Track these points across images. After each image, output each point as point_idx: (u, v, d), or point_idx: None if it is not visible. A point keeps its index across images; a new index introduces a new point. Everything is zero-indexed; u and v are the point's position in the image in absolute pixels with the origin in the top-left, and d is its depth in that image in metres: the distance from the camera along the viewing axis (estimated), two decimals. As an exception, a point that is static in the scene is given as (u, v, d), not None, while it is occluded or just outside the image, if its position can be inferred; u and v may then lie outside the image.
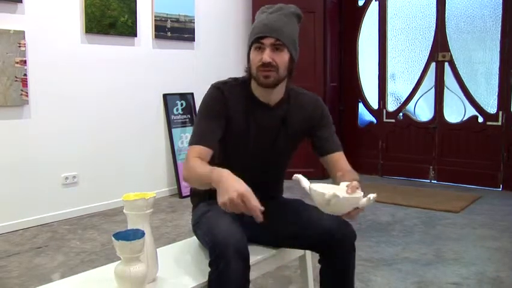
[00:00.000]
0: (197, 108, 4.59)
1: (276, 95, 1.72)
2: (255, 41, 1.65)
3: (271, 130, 1.75)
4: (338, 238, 1.62)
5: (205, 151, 1.64)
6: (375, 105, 5.35)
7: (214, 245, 1.46)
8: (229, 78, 1.78)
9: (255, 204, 1.38)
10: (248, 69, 1.72)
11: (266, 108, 1.73)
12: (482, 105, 4.69)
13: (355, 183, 1.46)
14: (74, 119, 3.75)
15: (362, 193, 1.44)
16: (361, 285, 2.47)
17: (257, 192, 1.60)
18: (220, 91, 1.70)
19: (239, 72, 1.74)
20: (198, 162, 1.60)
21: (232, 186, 1.39)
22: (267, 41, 1.62)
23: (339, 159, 1.75)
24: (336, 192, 1.38)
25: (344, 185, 1.48)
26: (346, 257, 1.64)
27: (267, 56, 1.62)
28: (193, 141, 1.67)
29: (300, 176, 1.49)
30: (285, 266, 2.59)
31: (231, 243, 1.44)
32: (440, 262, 2.80)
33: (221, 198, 1.40)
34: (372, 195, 1.40)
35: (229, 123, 1.71)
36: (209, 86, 1.75)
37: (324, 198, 1.37)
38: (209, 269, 1.46)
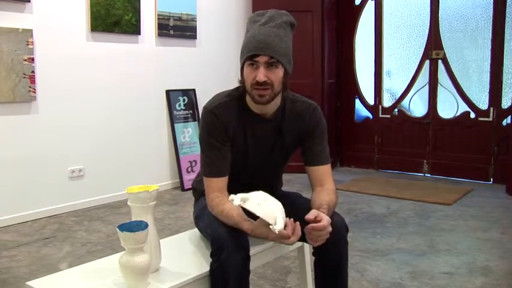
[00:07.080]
0: (199, 105, 4.71)
1: (272, 107, 1.67)
2: (249, 59, 1.58)
3: (269, 141, 1.73)
4: (331, 231, 1.57)
5: (222, 181, 1.64)
6: (371, 101, 5.38)
7: (215, 237, 1.50)
8: (223, 94, 1.72)
9: (282, 233, 1.43)
10: (242, 83, 1.65)
11: (262, 121, 1.69)
12: (474, 102, 4.73)
13: (314, 211, 1.50)
14: (80, 114, 3.79)
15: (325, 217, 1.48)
16: (357, 274, 2.52)
17: (255, 188, 1.67)
18: (215, 116, 1.64)
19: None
20: (220, 206, 1.59)
21: (264, 236, 1.50)
22: (261, 59, 1.55)
23: (322, 173, 1.71)
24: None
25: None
26: (338, 249, 1.62)
27: (261, 75, 1.55)
28: (208, 173, 1.66)
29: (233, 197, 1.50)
30: (284, 256, 2.66)
31: (231, 235, 1.48)
32: (433, 252, 2.85)
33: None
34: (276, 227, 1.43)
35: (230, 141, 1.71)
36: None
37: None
38: (210, 260, 1.49)
